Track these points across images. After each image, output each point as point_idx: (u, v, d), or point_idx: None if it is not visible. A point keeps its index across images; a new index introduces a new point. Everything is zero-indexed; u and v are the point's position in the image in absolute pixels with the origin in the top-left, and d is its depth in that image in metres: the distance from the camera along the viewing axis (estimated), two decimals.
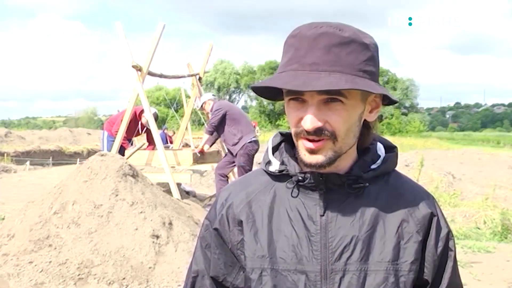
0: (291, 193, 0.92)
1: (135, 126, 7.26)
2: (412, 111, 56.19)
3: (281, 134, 1.00)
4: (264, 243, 0.91)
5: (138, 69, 6.17)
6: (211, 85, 53.97)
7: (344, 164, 0.90)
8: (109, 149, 6.58)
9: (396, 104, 0.92)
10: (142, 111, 7.01)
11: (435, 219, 0.93)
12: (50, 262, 3.20)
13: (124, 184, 3.78)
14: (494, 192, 7.49)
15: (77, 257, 3.24)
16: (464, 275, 4.12)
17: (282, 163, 0.94)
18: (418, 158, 9.62)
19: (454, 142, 43.73)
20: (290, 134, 0.98)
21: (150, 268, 3.29)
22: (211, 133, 6.52)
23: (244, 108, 61.19)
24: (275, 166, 0.95)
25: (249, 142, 6.26)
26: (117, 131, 6.53)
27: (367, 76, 0.83)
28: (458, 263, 0.99)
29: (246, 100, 59.19)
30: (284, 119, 44.84)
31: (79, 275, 3.16)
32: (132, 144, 7.86)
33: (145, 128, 7.36)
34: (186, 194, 6.99)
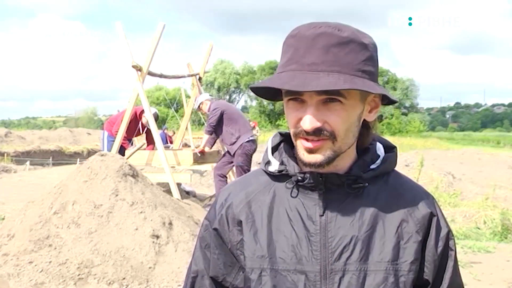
0: (291, 193, 0.92)
1: (135, 126, 7.26)
2: (412, 111, 56.16)
3: (281, 134, 1.00)
4: (263, 243, 0.91)
5: (138, 69, 6.17)
6: (211, 85, 53.95)
7: (343, 164, 0.90)
8: (109, 149, 6.58)
9: (396, 104, 0.92)
10: (142, 111, 7.01)
11: (435, 219, 0.93)
12: (50, 262, 3.20)
13: (124, 184, 3.78)
14: (494, 192, 7.50)
15: (77, 257, 3.24)
16: (464, 275, 4.11)
17: (282, 163, 0.94)
18: (418, 158, 9.62)
19: (454, 142, 43.73)
20: (289, 134, 0.98)
21: (150, 268, 3.29)
22: (210, 133, 6.52)
23: (244, 108, 61.19)
24: (274, 166, 0.95)
25: (246, 142, 6.26)
26: (117, 131, 6.53)
27: (366, 76, 0.83)
28: (459, 263, 0.99)
29: (246, 100, 59.21)
30: (284, 119, 44.80)
31: (79, 275, 3.16)
32: (132, 144, 7.86)
33: (146, 128, 7.36)
34: (186, 194, 6.99)
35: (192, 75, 7.86)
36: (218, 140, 7.04)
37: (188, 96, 9.52)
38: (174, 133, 13.33)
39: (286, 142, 0.97)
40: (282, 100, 0.92)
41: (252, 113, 51.79)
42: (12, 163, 14.77)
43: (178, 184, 6.31)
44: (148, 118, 6.48)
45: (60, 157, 17.72)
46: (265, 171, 0.97)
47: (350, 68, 0.81)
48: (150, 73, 6.51)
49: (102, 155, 4.06)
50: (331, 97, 0.81)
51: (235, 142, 6.27)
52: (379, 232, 0.89)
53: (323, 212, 0.89)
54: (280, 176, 0.94)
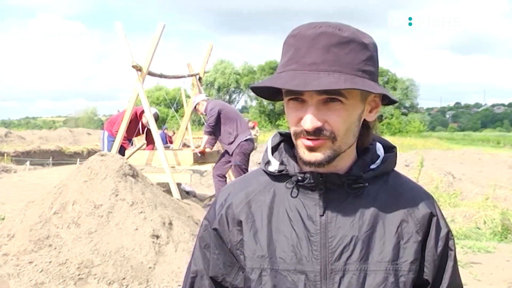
0: (291, 193, 0.92)
1: (135, 126, 7.25)
2: (412, 111, 56.16)
3: (281, 134, 1.00)
4: (263, 243, 0.91)
5: (138, 69, 6.17)
6: (211, 85, 53.95)
7: (343, 164, 0.90)
8: (110, 149, 6.58)
9: (396, 104, 0.92)
10: (143, 111, 7.01)
11: (434, 219, 0.93)
12: (50, 262, 3.20)
13: (124, 184, 3.78)
14: (494, 192, 7.50)
15: (77, 257, 3.24)
16: (464, 275, 4.12)
17: (282, 163, 0.94)
18: (418, 158, 9.63)
19: (454, 142, 43.74)
20: (289, 134, 0.98)
21: (150, 268, 3.29)
22: (210, 134, 6.52)
23: (244, 108, 61.21)
24: (274, 166, 0.95)
25: (244, 141, 6.27)
26: (117, 131, 6.53)
27: (366, 76, 0.83)
28: (458, 263, 0.99)
29: (246, 100, 59.20)
30: (284, 119, 44.80)
31: (79, 275, 3.16)
32: (132, 144, 7.86)
33: (146, 128, 7.35)
34: (186, 194, 6.99)
35: (192, 75, 7.86)
36: (219, 142, 7.04)
37: (188, 96, 9.52)
38: (174, 133, 13.33)
39: (286, 142, 0.97)
40: (282, 100, 0.92)
41: (252, 113, 51.78)
42: (12, 163, 14.77)
43: (178, 184, 6.31)
44: (148, 118, 6.48)
45: (60, 157, 17.72)
46: (265, 171, 0.97)
47: (350, 68, 0.81)
48: (150, 73, 6.51)
49: (102, 155, 4.06)
50: (331, 96, 0.81)
51: (233, 141, 6.27)
52: (379, 232, 0.89)
53: (323, 212, 0.89)
54: (280, 176, 0.94)
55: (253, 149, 6.52)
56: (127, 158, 5.33)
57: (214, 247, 0.97)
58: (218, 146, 7.61)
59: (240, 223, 0.94)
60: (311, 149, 0.84)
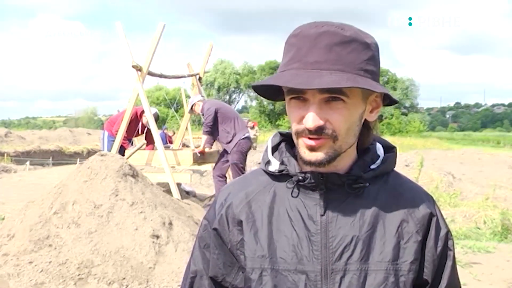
0: (291, 193, 0.92)
1: (135, 126, 7.25)
2: (412, 111, 56.15)
3: (281, 134, 1.00)
4: (264, 243, 0.91)
5: (138, 69, 6.17)
6: (211, 85, 53.94)
7: (344, 164, 0.90)
8: (110, 149, 6.58)
9: (396, 104, 0.93)
10: (143, 111, 7.01)
11: (434, 219, 0.93)
12: (50, 262, 3.20)
13: (124, 184, 3.78)
14: (494, 192, 7.50)
15: (77, 257, 3.24)
16: (464, 275, 4.12)
17: (282, 163, 0.94)
18: (418, 158, 9.63)
19: (454, 142, 43.75)
20: (289, 134, 0.98)
21: (150, 268, 3.29)
22: (209, 134, 6.53)
23: (244, 108, 61.23)
24: (274, 166, 0.95)
25: (242, 139, 6.28)
26: (117, 131, 6.53)
27: (368, 76, 0.83)
28: (458, 263, 0.99)
29: (246, 100, 59.21)
30: (284, 119, 44.83)
31: (79, 275, 3.16)
32: (132, 144, 7.86)
33: (146, 128, 7.35)
34: (186, 194, 6.99)
35: (192, 75, 7.86)
36: (218, 141, 7.04)
37: (188, 96, 9.51)
38: (174, 133, 13.33)
39: (286, 142, 0.97)
40: (282, 99, 0.92)
41: (252, 113, 51.77)
42: (12, 163, 14.78)
43: (178, 184, 6.31)
44: (148, 118, 6.48)
45: (60, 157, 17.73)
46: (265, 171, 0.97)
47: (352, 67, 0.81)
48: (150, 73, 6.51)
49: (102, 155, 4.06)
50: (333, 95, 0.82)
51: (231, 140, 6.29)
52: (380, 232, 0.89)
53: (324, 212, 0.89)
54: (280, 176, 0.94)
55: (250, 147, 6.54)
56: (127, 158, 5.33)
57: (214, 247, 0.97)
58: (218, 146, 7.61)
59: (240, 223, 0.94)
60: (312, 148, 0.84)
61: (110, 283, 3.15)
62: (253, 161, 12.43)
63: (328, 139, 0.84)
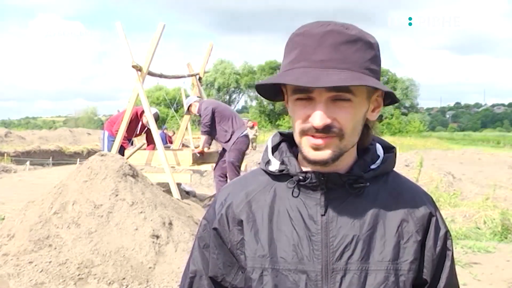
0: (292, 192, 0.92)
1: (135, 126, 7.26)
2: (412, 111, 56.19)
3: (281, 134, 1.00)
4: (264, 243, 0.91)
5: (138, 69, 6.17)
6: (211, 85, 53.95)
7: (344, 163, 0.91)
8: (110, 149, 6.58)
9: (396, 104, 0.92)
10: (143, 111, 7.02)
11: (433, 219, 0.94)
12: (50, 262, 3.20)
13: (124, 184, 3.78)
14: (494, 192, 7.50)
15: (77, 257, 3.24)
16: (464, 275, 4.12)
17: (282, 162, 0.94)
18: (418, 158, 9.64)
19: (454, 142, 43.76)
20: (290, 134, 0.98)
21: (150, 268, 3.29)
22: (207, 133, 6.53)
23: (244, 108, 61.24)
24: (275, 166, 0.95)
25: (240, 137, 6.29)
26: (117, 131, 6.53)
27: (372, 75, 0.83)
28: (458, 263, 1.00)
29: (246, 100, 59.23)
30: (284, 119, 44.82)
31: (79, 275, 3.16)
32: (132, 144, 7.86)
33: (146, 128, 7.36)
34: (186, 194, 6.99)
35: (192, 75, 7.86)
36: (216, 141, 7.05)
37: (188, 96, 9.50)
38: (174, 133, 13.33)
39: (286, 142, 0.97)
40: (281, 100, 0.93)
41: (252, 113, 51.77)
42: (12, 163, 14.79)
43: (178, 184, 6.31)
44: (148, 118, 6.48)
45: (60, 157, 17.74)
46: (265, 171, 0.97)
47: (358, 66, 0.82)
48: (150, 73, 6.51)
49: (102, 155, 4.06)
50: (340, 94, 0.82)
51: (230, 138, 6.30)
52: (380, 232, 0.90)
53: (325, 212, 0.89)
54: (280, 176, 0.94)
55: (248, 145, 6.55)
56: (127, 158, 5.33)
57: (213, 247, 0.97)
58: (218, 147, 7.61)
59: (240, 222, 0.94)
60: (317, 148, 0.84)
61: (110, 283, 3.15)
62: (253, 161, 12.43)
63: (334, 137, 0.84)
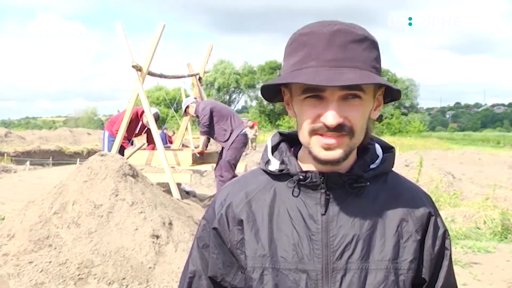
0: (292, 192, 0.92)
1: (135, 126, 7.26)
2: (412, 111, 56.20)
3: (280, 134, 1.00)
4: (265, 242, 0.91)
5: (138, 69, 6.17)
6: (211, 85, 53.95)
7: (345, 163, 0.90)
8: (110, 149, 6.59)
9: (396, 104, 0.93)
10: (143, 111, 7.02)
11: (432, 218, 0.94)
12: (50, 262, 3.20)
13: (124, 184, 3.78)
14: (494, 192, 7.49)
15: (77, 257, 3.24)
16: (464, 275, 4.12)
17: (282, 162, 0.95)
18: (418, 158, 9.63)
19: (454, 142, 43.78)
20: (290, 134, 0.98)
21: (150, 268, 3.29)
22: (206, 133, 6.54)
23: (244, 108, 61.23)
24: (275, 166, 0.95)
25: (239, 135, 6.31)
26: (118, 131, 6.53)
27: (377, 73, 0.84)
28: (458, 263, 1.00)
29: (246, 100, 59.24)
30: (284, 119, 44.81)
31: (79, 275, 3.16)
32: (132, 144, 7.86)
33: (146, 128, 7.36)
34: (186, 194, 6.99)
35: (192, 75, 7.86)
36: (215, 140, 7.05)
37: (188, 96, 9.51)
38: (174, 133, 13.33)
39: (286, 142, 0.98)
40: (279, 101, 0.93)
41: (252, 113, 51.79)
42: (12, 163, 14.79)
43: (178, 184, 6.31)
44: (148, 118, 6.48)
45: (60, 157, 17.75)
46: (264, 171, 0.97)
47: (367, 65, 0.82)
48: (150, 73, 6.51)
49: (102, 155, 4.06)
50: (352, 92, 0.82)
51: (229, 137, 6.31)
52: (380, 231, 0.90)
53: (325, 211, 0.89)
54: (280, 176, 0.94)
55: (247, 143, 6.56)
56: (127, 158, 5.33)
57: (213, 247, 0.97)
58: (218, 147, 7.61)
59: (241, 222, 0.94)
60: (328, 148, 0.84)
61: (110, 283, 3.15)
62: (253, 161, 12.43)
63: (345, 136, 0.84)
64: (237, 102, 59.84)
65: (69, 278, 3.13)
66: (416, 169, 8.71)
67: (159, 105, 39.14)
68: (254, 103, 55.56)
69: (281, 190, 0.94)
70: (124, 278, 3.19)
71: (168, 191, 5.54)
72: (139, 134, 7.56)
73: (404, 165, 11.99)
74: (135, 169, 4.07)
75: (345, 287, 0.87)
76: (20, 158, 16.25)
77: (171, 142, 11.65)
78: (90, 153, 16.85)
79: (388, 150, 0.98)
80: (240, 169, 7.00)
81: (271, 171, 0.95)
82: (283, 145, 0.97)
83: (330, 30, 0.82)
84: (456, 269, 1.01)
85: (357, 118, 0.84)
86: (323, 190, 0.90)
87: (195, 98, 7.11)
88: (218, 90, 55.00)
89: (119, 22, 6.19)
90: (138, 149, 6.70)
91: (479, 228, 6.00)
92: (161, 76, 7.04)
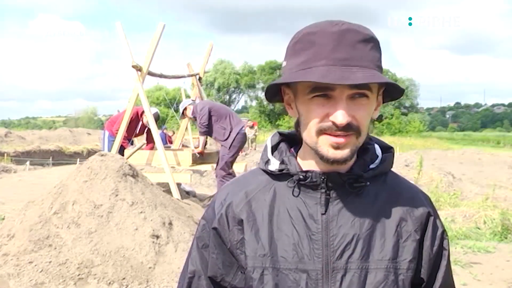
0: (292, 192, 0.92)
1: (135, 126, 7.26)
2: (412, 111, 56.23)
3: (280, 134, 1.00)
4: (265, 242, 0.91)
5: (138, 69, 6.17)
6: (211, 85, 53.95)
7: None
8: (110, 149, 6.59)
9: (396, 104, 0.93)
10: (143, 111, 7.01)
11: (431, 218, 0.95)
12: (50, 262, 3.20)
13: (124, 184, 3.78)
14: (494, 192, 7.49)
15: (77, 257, 3.24)
16: (464, 275, 4.12)
17: (282, 162, 0.95)
18: (418, 158, 9.63)
19: (454, 142, 43.80)
20: (290, 134, 0.99)
21: (150, 268, 3.29)
22: (205, 134, 6.54)
23: (244, 108, 61.25)
24: (274, 165, 0.95)
25: (239, 134, 6.32)
26: (117, 131, 6.53)
27: (381, 73, 0.85)
28: (458, 263, 1.00)
29: (246, 100, 59.24)
30: (284, 119, 44.84)
31: (79, 275, 3.16)
32: (132, 144, 7.86)
33: (146, 128, 7.36)
34: (186, 194, 6.99)
35: (192, 75, 7.86)
36: (215, 140, 7.05)
37: (188, 96, 9.50)
38: (173, 133, 13.33)
39: (285, 142, 0.98)
40: (279, 101, 0.94)
41: (252, 113, 51.80)
42: (12, 163, 14.78)
43: (178, 184, 6.31)
44: (148, 118, 6.48)
45: (60, 157, 17.74)
46: (264, 171, 0.97)
47: (373, 64, 0.83)
48: (150, 73, 6.51)
49: (102, 155, 4.06)
50: (360, 91, 0.82)
51: (229, 136, 6.31)
52: (380, 231, 0.90)
53: (325, 211, 0.90)
54: (280, 175, 0.94)
55: (245, 142, 6.56)
56: (127, 158, 5.33)
57: (213, 247, 0.97)
58: (218, 147, 7.61)
59: (241, 222, 0.93)
60: (337, 147, 0.84)
61: (110, 283, 3.15)
62: (253, 161, 12.43)
63: (353, 135, 0.84)
64: (237, 102, 59.92)
65: (69, 278, 3.13)
66: (416, 169, 8.71)
67: (159, 105, 39.13)
68: (254, 103, 55.64)
69: (281, 190, 0.94)
70: (124, 278, 3.19)
71: (168, 191, 5.54)
72: (139, 134, 7.56)
73: (404, 165, 11.98)
74: (135, 169, 4.07)
75: (345, 287, 0.87)
76: (20, 158, 16.25)
77: (171, 142, 11.65)
78: (90, 153, 16.85)
79: (387, 150, 0.98)
80: (240, 169, 7.00)
81: (271, 171, 0.95)
82: (282, 145, 0.97)
83: (339, 29, 0.82)
84: (456, 269, 1.01)
85: (364, 117, 0.84)
86: (323, 190, 0.90)
87: (193, 100, 7.11)
88: (218, 90, 55.00)
89: (119, 22, 6.20)
90: (138, 149, 6.70)
91: (479, 228, 6.00)
92: (161, 76, 7.04)
